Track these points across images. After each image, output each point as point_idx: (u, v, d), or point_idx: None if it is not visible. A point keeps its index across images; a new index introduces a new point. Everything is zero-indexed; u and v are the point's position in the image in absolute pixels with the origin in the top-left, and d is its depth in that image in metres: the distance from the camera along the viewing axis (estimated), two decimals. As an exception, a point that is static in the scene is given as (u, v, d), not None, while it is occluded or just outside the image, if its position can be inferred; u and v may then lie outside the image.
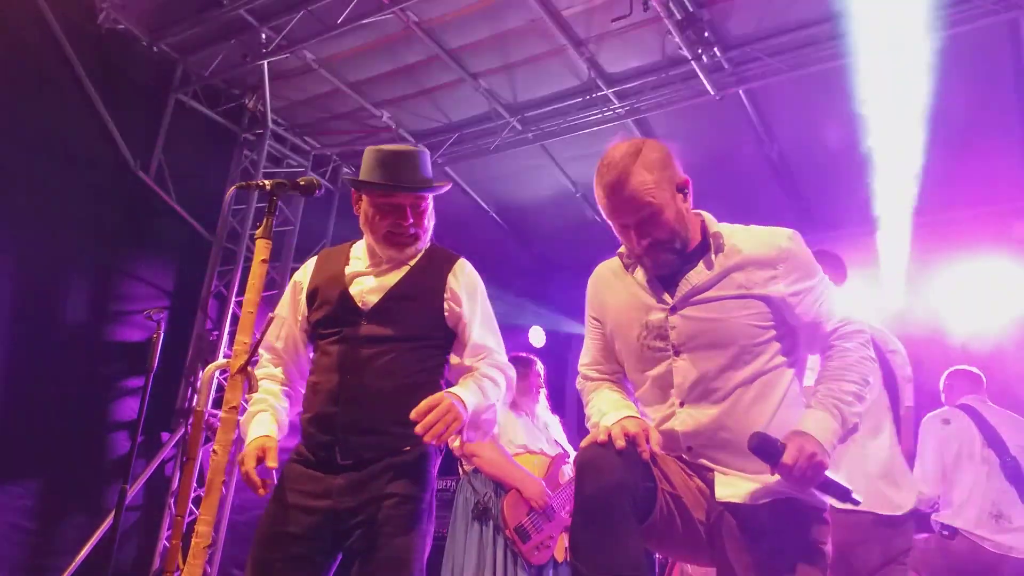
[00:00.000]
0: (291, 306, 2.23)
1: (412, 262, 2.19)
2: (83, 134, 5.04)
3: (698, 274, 1.81)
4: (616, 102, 5.55)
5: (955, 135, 5.25)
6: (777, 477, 1.66)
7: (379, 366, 2.04)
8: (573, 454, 3.80)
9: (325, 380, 2.08)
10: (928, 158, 5.50)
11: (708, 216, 1.91)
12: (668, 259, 1.82)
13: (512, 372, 2.17)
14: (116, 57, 5.23)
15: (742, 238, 1.84)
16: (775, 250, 1.80)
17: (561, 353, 7.34)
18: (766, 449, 1.64)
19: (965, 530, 3.79)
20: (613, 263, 2.01)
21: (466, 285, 2.16)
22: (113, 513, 3.80)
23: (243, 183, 2.03)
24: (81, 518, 4.74)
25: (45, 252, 4.75)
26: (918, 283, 5.83)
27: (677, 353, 1.80)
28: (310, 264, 2.28)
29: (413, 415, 1.84)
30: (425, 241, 2.22)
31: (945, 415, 4.09)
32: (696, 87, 5.22)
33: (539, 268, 7.46)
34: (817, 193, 6.11)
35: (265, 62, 5.36)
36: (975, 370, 4.27)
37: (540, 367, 3.93)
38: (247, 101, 5.84)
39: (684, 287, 1.81)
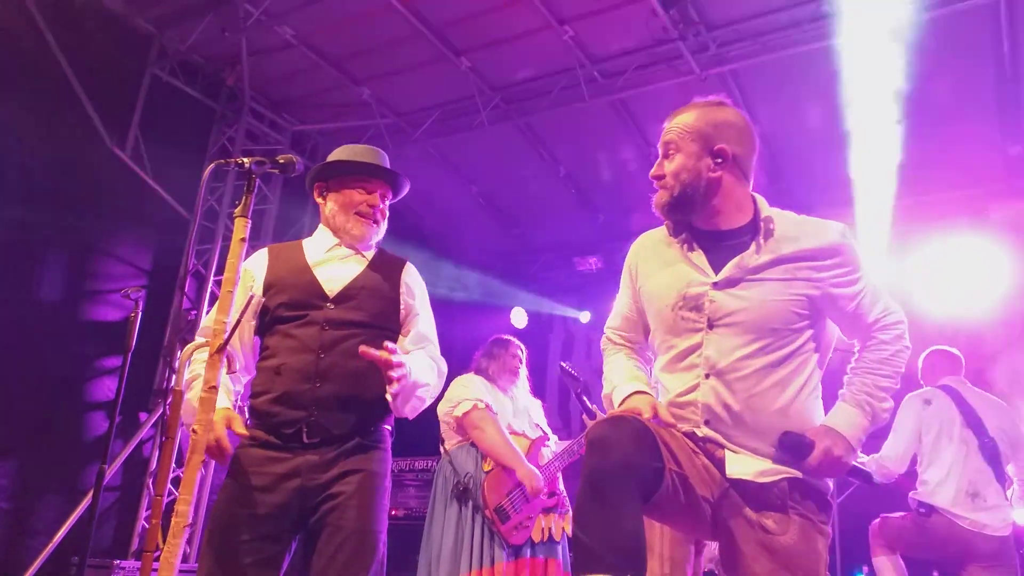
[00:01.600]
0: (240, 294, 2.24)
1: (368, 255, 2.31)
2: (57, 110, 4.93)
3: (748, 256, 1.83)
4: (601, 81, 5.52)
5: (934, 118, 5.29)
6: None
7: (350, 347, 2.07)
8: (554, 438, 3.80)
9: (293, 360, 2.10)
10: (907, 141, 5.55)
11: (761, 200, 1.92)
12: (661, 198, 1.88)
13: (445, 368, 2.30)
14: (91, 31, 5.11)
15: (794, 226, 1.87)
16: (827, 244, 1.83)
17: (543, 335, 7.36)
18: (797, 448, 1.71)
19: (942, 508, 3.86)
20: (659, 232, 2.00)
21: (416, 284, 2.34)
22: (91, 493, 3.79)
23: (222, 160, 1.99)
24: (59, 498, 4.71)
25: (20, 230, 4.67)
26: (895, 264, 5.89)
27: (711, 327, 1.81)
28: (261, 255, 2.31)
29: (361, 350, 1.95)
30: (379, 234, 2.34)
31: (926, 395, 4.15)
32: (680, 67, 5.20)
33: (522, 249, 7.44)
34: (795, 173, 6.13)
35: (243, 37, 5.27)
36: (954, 351, 4.33)
37: (521, 349, 3.88)
38: (225, 77, 5.75)
39: (730, 266, 1.83)
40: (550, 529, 3.50)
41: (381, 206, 2.31)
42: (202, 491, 5.44)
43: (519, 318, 7.22)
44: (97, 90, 5.12)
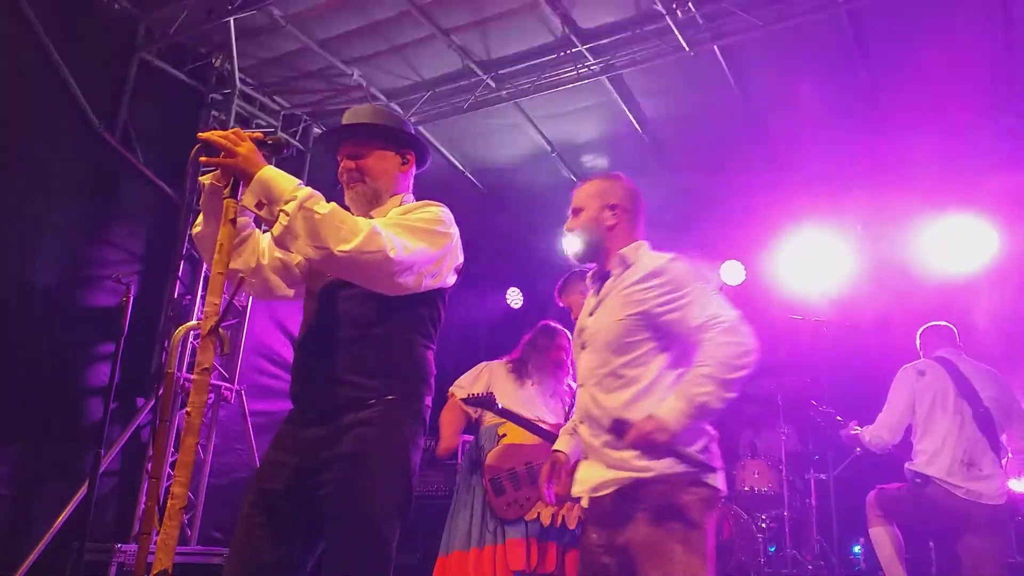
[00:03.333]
0: None
1: (373, 213, 2.15)
2: (46, 97, 4.88)
3: (604, 288, 2.27)
4: (590, 58, 5.48)
5: (927, 89, 5.27)
6: (629, 458, 2.04)
7: (339, 316, 2.01)
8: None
9: (300, 333, 2.13)
10: (898, 112, 5.53)
11: (639, 241, 2.31)
12: (571, 242, 2.40)
13: None
14: (76, 16, 5.05)
15: (640, 257, 2.25)
16: (653, 269, 2.16)
17: (539, 315, 7.32)
18: (619, 430, 2.02)
19: (937, 478, 3.89)
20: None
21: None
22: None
23: (208, 143, 1.96)
24: (59, 484, 4.70)
25: (11, 217, 4.64)
26: (889, 239, 5.90)
27: (583, 348, 2.27)
28: None
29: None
30: (366, 194, 2.17)
31: (920, 366, 4.17)
32: (671, 43, 5.16)
33: (516, 228, 7.42)
34: (789, 147, 6.11)
35: (231, 19, 5.20)
36: (948, 324, 4.35)
37: (568, 338, 3.81)
38: (214, 60, 5.69)
39: (595, 299, 2.30)
40: (563, 516, 3.48)
41: (350, 167, 2.17)
42: (201, 475, 5.46)
43: (515, 298, 7.22)
44: (85, 75, 5.05)
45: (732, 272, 6.15)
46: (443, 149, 6.67)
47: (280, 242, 1.88)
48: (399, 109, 6.09)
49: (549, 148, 6.57)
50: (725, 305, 2.12)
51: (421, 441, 2.04)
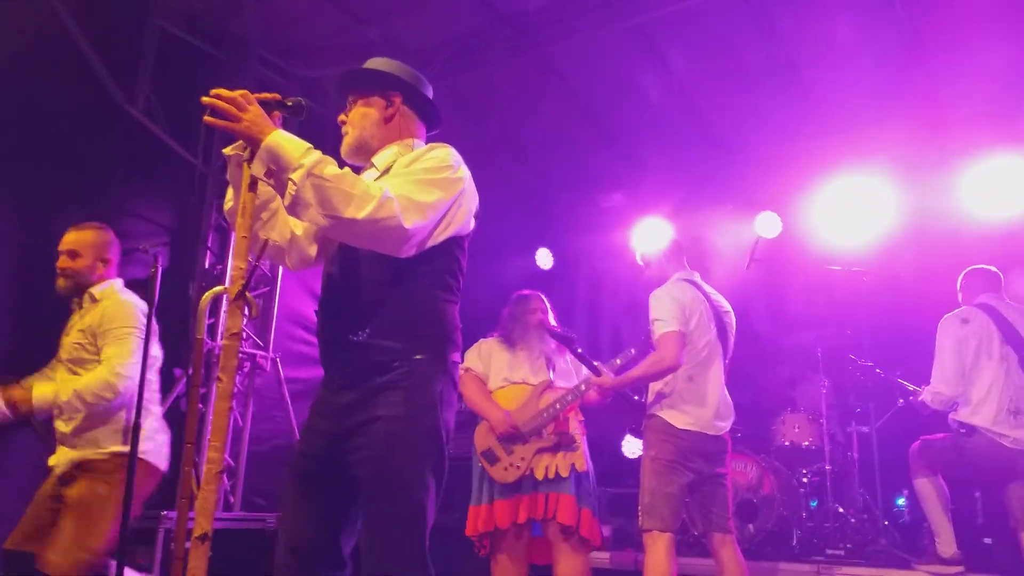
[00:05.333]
0: None
1: (381, 165, 2.10)
2: (67, 71, 4.85)
3: None
4: (617, 4, 5.30)
5: (967, 25, 5.03)
6: None
7: (357, 279, 1.97)
8: (585, 374, 3.81)
9: (319, 299, 2.09)
10: (938, 51, 5.30)
11: None
12: None
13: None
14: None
15: None
16: None
17: (569, 275, 7.28)
18: None
19: (983, 427, 3.79)
20: None
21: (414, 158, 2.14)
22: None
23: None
24: (104, 455, 4.79)
25: (42, 194, 4.65)
26: (930, 184, 5.71)
27: None
28: None
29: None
30: (356, 140, 2.14)
31: (963, 315, 4.04)
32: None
33: (543, 187, 7.31)
34: (823, 92, 5.89)
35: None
36: (992, 268, 4.20)
37: (542, 300, 4.04)
38: (230, 26, 5.62)
39: None
40: (556, 467, 3.61)
41: (344, 117, 2.18)
42: (241, 442, 5.53)
43: (544, 259, 7.14)
44: (104, 47, 5.02)
45: (768, 224, 6.01)
46: (467, 107, 6.56)
47: (291, 211, 1.82)
48: (420, 67, 5.97)
49: (575, 100, 6.42)
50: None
51: (454, 399, 2.00)
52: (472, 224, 2.09)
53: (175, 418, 5.16)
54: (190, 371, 5.16)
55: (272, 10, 5.58)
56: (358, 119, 2.13)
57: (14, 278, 4.52)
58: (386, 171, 2.04)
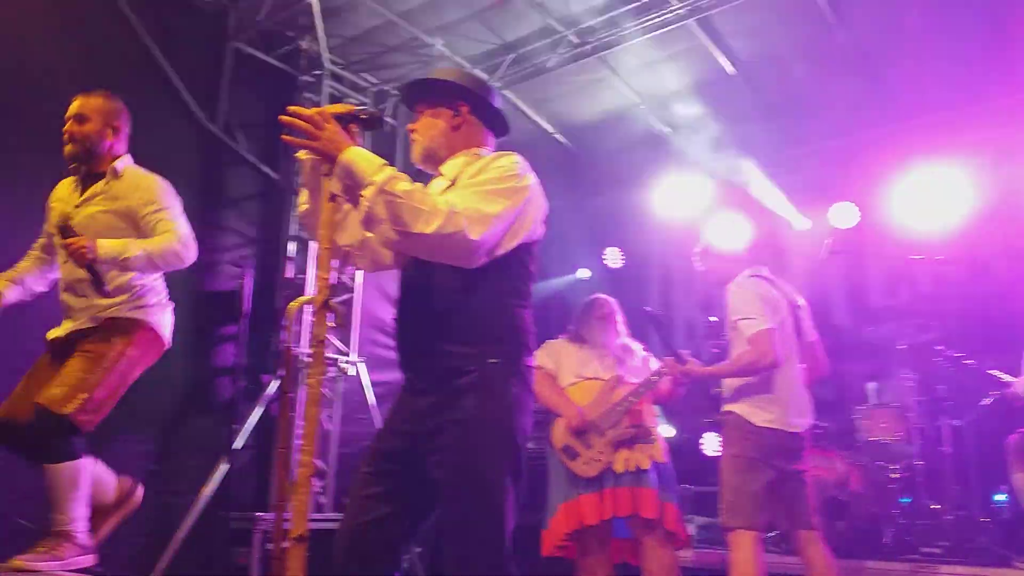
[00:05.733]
0: None
1: (449, 173, 2.15)
2: (151, 93, 5.11)
3: None
4: (675, 2, 5.26)
5: None
6: None
7: (430, 286, 2.02)
8: (654, 367, 3.84)
9: (395, 306, 2.16)
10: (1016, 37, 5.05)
11: None
12: None
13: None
14: (171, 12, 5.26)
15: None
16: None
17: (639, 272, 7.21)
18: None
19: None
20: None
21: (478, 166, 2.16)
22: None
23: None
24: (202, 460, 5.03)
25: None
26: (1015, 168, 5.44)
27: None
28: None
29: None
30: (426, 146, 2.19)
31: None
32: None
33: (610, 186, 7.29)
34: (897, 80, 5.69)
35: (314, 0, 5.30)
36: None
37: (606, 302, 4.08)
38: (302, 43, 5.82)
39: None
40: (636, 460, 3.62)
41: (413, 126, 2.23)
42: (329, 444, 5.72)
43: (613, 258, 7.10)
44: (185, 70, 5.28)
45: (844, 214, 5.83)
46: (529, 112, 6.61)
47: (366, 226, 1.92)
48: (482, 75, 6.07)
49: (638, 100, 6.40)
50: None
51: (529, 402, 2.03)
52: (541, 230, 2.12)
53: (265, 424, 5.40)
54: (280, 376, 5.39)
55: (342, 26, 5.76)
56: (426, 129, 2.17)
57: None
58: (454, 181, 2.08)
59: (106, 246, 2.83)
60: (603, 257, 7.09)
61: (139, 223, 3.04)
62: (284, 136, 1.93)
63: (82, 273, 2.90)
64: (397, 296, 2.14)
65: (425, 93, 2.21)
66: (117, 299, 2.99)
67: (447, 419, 1.92)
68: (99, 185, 3.11)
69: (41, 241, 3.22)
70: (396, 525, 1.99)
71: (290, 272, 5.76)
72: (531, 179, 2.08)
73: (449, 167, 2.15)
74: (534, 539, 3.77)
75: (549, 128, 6.87)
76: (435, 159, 2.17)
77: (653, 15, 5.38)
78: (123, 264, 2.88)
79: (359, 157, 1.87)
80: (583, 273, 7.25)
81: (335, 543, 2.01)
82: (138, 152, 4.88)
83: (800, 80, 5.85)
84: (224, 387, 5.25)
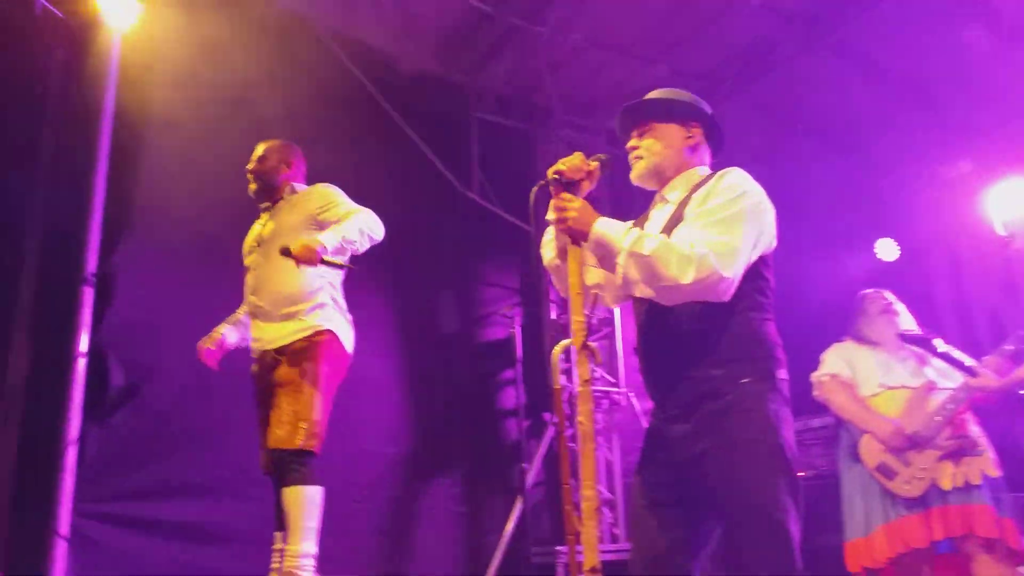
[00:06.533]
0: None
1: (667, 194, 2.19)
2: (410, 169, 5.70)
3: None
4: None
5: None
6: None
7: (669, 313, 2.00)
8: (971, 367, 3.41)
9: (636, 337, 2.20)
10: None
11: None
12: None
13: None
14: (418, 95, 5.83)
15: None
16: None
17: (921, 262, 6.46)
18: None
19: None
20: None
21: (714, 188, 2.07)
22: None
23: (541, 182, 2.17)
24: (501, 498, 5.44)
25: (416, 274, 5.57)
26: None
27: None
28: None
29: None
30: (645, 170, 2.21)
31: None
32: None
33: (876, 174, 6.70)
34: None
35: (542, 58, 5.62)
36: None
37: (886, 297, 3.73)
38: (536, 100, 6.17)
39: None
40: (964, 475, 3.25)
41: (633, 146, 2.24)
42: (613, 474, 5.87)
43: (887, 250, 6.47)
44: (437, 144, 5.83)
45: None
46: (768, 110, 6.36)
47: (625, 289, 2.01)
48: (715, 86, 5.98)
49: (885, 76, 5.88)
50: None
51: (789, 416, 1.97)
52: (775, 240, 2.07)
53: (552, 460, 5.70)
54: (553, 416, 5.68)
55: (568, 75, 6.04)
56: (654, 147, 2.19)
57: (397, 340, 5.39)
58: (680, 205, 2.10)
59: (326, 237, 2.99)
60: (875, 250, 6.50)
61: (321, 223, 3.23)
62: (548, 241, 2.19)
63: (262, 301, 3.17)
64: (638, 325, 2.17)
65: (653, 112, 2.23)
66: (296, 324, 3.10)
67: (711, 443, 1.91)
68: (280, 203, 3.37)
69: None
70: (683, 553, 1.99)
71: (554, 313, 6.06)
72: (759, 190, 2.05)
73: (672, 190, 2.18)
74: (832, 560, 3.56)
75: (792, 124, 6.54)
76: (661, 178, 2.20)
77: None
78: (347, 244, 3.07)
79: (606, 230, 1.98)
80: (884, 253, 6.61)
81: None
82: (406, 224, 5.52)
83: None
84: (510, 428, 5.64)
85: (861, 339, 3.68)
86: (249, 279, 3.33)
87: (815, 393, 3.65)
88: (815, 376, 3.66)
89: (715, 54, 5.85)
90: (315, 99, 4.99)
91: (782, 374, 2.00)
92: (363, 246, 3.16)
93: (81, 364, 3.94)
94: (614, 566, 4.60)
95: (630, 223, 2.12)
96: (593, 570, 1.83)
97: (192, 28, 4.56)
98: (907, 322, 3.69)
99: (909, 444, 3.31)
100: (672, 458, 2.01)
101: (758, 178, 2.09)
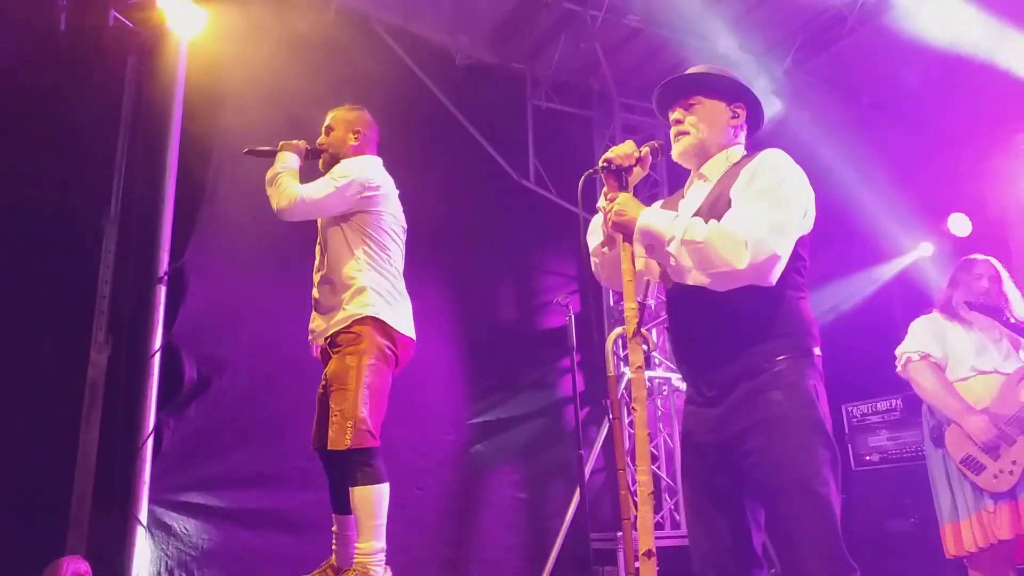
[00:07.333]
0: None
1: (713, 177, 2.10)
2: (468, 161, 5.75)
3: None
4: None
5: None
6: None
7: (704, 293, 1.94)
8: None
9: (668, 320, 2.18)
10: None
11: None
12: None
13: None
14: (474, 86, 5.86)
15: None
16: None
17: (996, 236, 6.17)
18: None
19: None
20: None
21: (760, 166, 2.00)
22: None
23: (591, 170, 2.16)
24: (561, 484, 5.49)
25: (474, 264, 5.64)
26: None
27: None
28: None
29: None
30: (687, 146, 2.14)
31: None
32: None
33: (944, 145, 6.42)
34: None
35: (596, 42, 5.58)
36: None
37: (991, 265, 3.37)
38: (592, 84, 6.13)
39: None
40: None
41: (678, 120, 2.15)
42: (673, 461, 5.83)
43: (959, 225, 6.20)
44: (494, 134, 5.86)
45: None
46: (833, 85, 6.16)
47: (676, 278, 1.97)
48: (775, 63, 5.83)
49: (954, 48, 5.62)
50: None
51: (824, 392, 1.94)
52: (813, 221, 2.03)
53: (610, 446, 5.69)
54: (608, 403, 5.66)
55: (623, 58, 5.98)
56: (702, 123, 2.14)
57: (457, 328, 5.47)
58: (719, 183, 2.06)
59: (286, 158, 3.11)
60: (946, 227, 6.24)
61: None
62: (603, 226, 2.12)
63: (316, 292, 3.11)
64: (671, 306, 2.13)
65: (702, 87, 2.16)
66: (338, 315, 3.00)
67: (751, 422, 1.89)
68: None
69: None
70: (741, 530, 1.97)
71: (612, 300, 6.04)
72: (798, 169, 2.02)
73: (710, 168, 2.14)
74: (907, 545, 3.46)
75: (856, 98, 6.32)
76: (704, 155, 2.15)
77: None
78: (272, 179, 3.03)
79: (652, 219, 1.96)
80: (924, 249, 6.42)
81: (693, 565, 2.04)
82: (464, 215, 5.59)
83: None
84: (569, 415, 5.66)
85: (953, 314, 3.37)
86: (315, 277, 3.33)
87: (899, 369, 3.39)
88: (901, 350, 3.38)
89: (777, 29, 5.70)
90: (372, 94, 5.04)
91: (818, 351, 1.98)
92: (271, 192, 3.02)
93: (156, 360, 4.14)
94: (676, 551, 4.60)
95: (658, 203, 2.08)
96: (648, 553, 1.84)
97: (254, 32, 4.69)
98: (1016, 297, 3.33)
99: (999, 439, 3.12)
100: (714, 441, 1.99)
101: (826, 153, 2.04)
